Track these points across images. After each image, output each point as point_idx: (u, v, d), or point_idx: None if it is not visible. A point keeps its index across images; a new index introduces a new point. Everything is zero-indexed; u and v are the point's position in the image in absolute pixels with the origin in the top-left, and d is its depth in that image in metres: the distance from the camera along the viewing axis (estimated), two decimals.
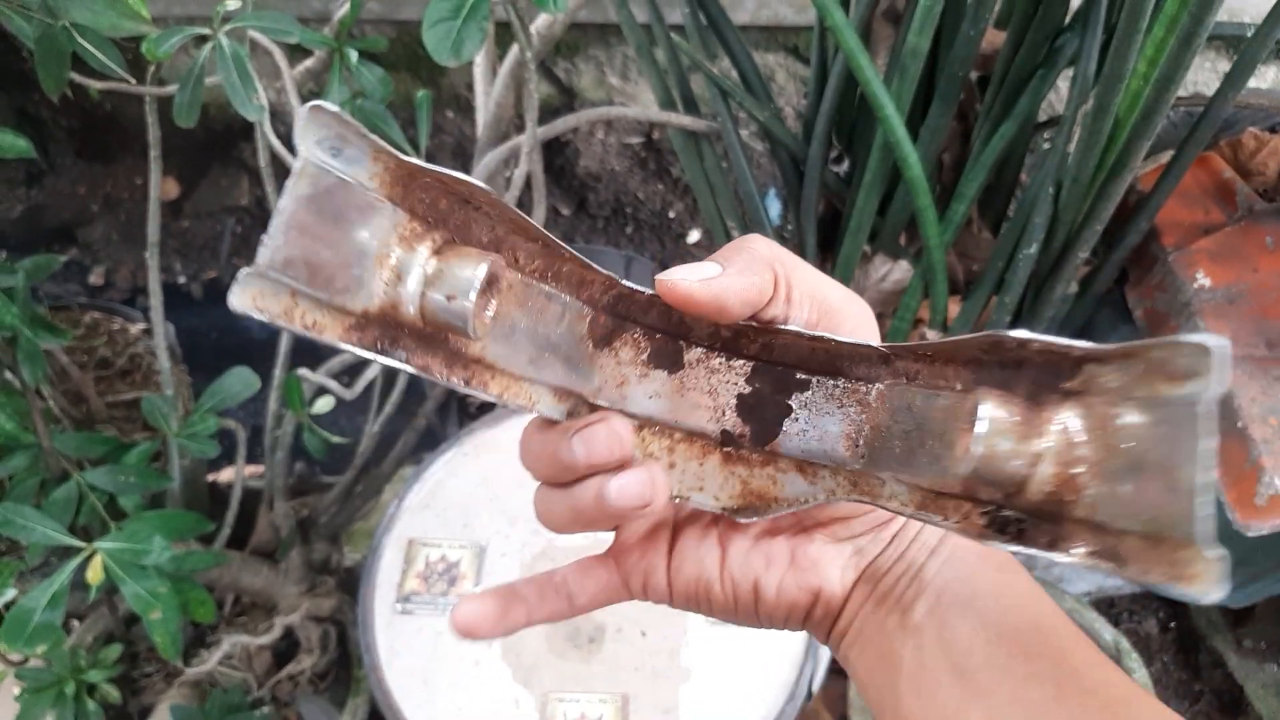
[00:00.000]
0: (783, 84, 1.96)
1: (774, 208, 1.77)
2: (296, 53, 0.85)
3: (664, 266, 2.02)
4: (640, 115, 0.98)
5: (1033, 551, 0.29)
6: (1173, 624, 1.51)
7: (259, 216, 1.99)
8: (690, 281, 0.34)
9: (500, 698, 0.90)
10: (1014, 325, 0.99)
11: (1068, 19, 0.88)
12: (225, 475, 1.41)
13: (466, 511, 0.99)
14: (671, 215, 2.03)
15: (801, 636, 0.93)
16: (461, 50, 0.72)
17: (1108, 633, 1.29)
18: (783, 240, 1.06)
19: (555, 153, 1.96)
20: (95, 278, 1.95)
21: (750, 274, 0.35)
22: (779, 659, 0.91)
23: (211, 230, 1.99)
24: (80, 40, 0.71)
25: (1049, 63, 0.87)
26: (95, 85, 0.80)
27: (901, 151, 0.84)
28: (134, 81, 0.75)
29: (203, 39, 0.73)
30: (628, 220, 2.03)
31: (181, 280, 1.94)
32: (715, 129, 1.00)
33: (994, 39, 0.91)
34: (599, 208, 2.01)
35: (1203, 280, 0.92)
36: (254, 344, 1.87)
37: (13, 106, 1.90)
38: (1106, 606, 1.51)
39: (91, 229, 1.99)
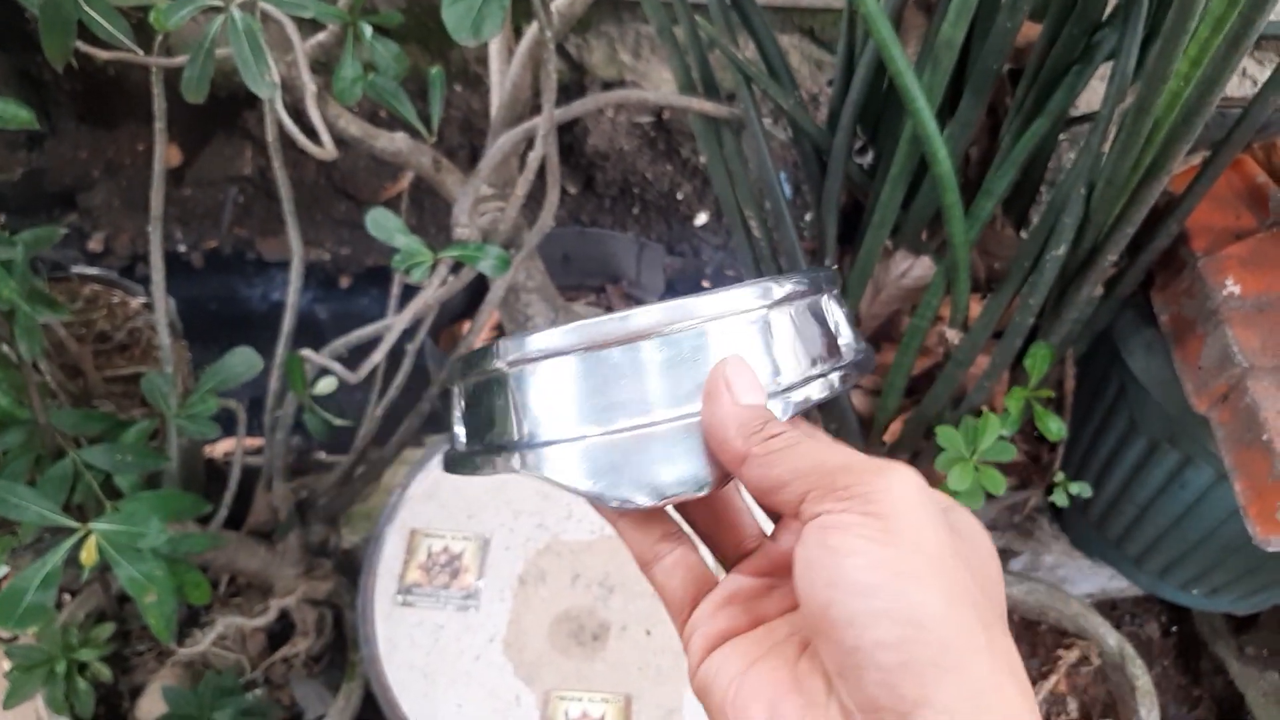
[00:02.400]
0: (797, 67, 1.92)
1: (789, 192, 1.74)
2: (309, 25, 0.82)
3: (671, 249, 2.00)
4: (660, 99, 0.96)
5: None
6: (1174, 628, 1.50)
7: (262, 186, 1.96)
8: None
9: (501, 694, 0.88)
10: (1037, 327, 0.96)
11: (1106, 13, 0.85)
12: (222, 447, 1.39)
13: (471, 503, 0.97)
14: (679, 197, 2.00)
15: None
16: (481, 29, 0.69)
17: (1112, 637, 1.27)
18: (799, 232, 1.04)
19: (564, 130, 1.93)
20: (95, 244, 1.92)
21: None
22: None
23: (213, 199, 1.96)
24: (86, 9, 0.68)
25: (1085, 58, 0.84)
26: (101, 55, 0.77)
27: (932, 146, 0.81)
28: (141, 52, 0.72)
29: (214, 10, 0.71)
30: (635, 201, 2.00)
31: (182, 249, 1.92)
32: (736, 114, 0.97)
33: (1029, 32, 0.88)
34: (606, 187, 1.98)
35: (1232, 287, 0.90)
36: (255, 316, 1.85)
37: (15, 68, 1.86)
38: (1108, 609, 1.50)
39: (92, 194, 1.96)
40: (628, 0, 1.76)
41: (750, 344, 0.36)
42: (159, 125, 0.84)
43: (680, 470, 0.35)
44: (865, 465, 0.31)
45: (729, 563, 0.40)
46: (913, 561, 0.29)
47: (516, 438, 0.37)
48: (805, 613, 0.31)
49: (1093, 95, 1.04)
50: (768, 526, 0.40)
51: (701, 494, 0.36)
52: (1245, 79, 1.91)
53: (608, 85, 1.90)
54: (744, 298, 0.36)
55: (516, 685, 0.89)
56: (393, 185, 1.96)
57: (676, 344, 0.35)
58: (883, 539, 0.29)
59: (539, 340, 0.36)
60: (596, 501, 0.36)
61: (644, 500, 0.35)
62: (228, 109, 1.90)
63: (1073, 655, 1.29)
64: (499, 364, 0.37)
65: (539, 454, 0.36)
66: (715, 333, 0.35)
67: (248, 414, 1.06)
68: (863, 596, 0.28)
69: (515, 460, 0.36)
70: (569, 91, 1.90)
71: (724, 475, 0.35)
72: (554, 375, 0.36)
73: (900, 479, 0.30)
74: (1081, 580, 1.45)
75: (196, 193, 1.96)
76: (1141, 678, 1.24)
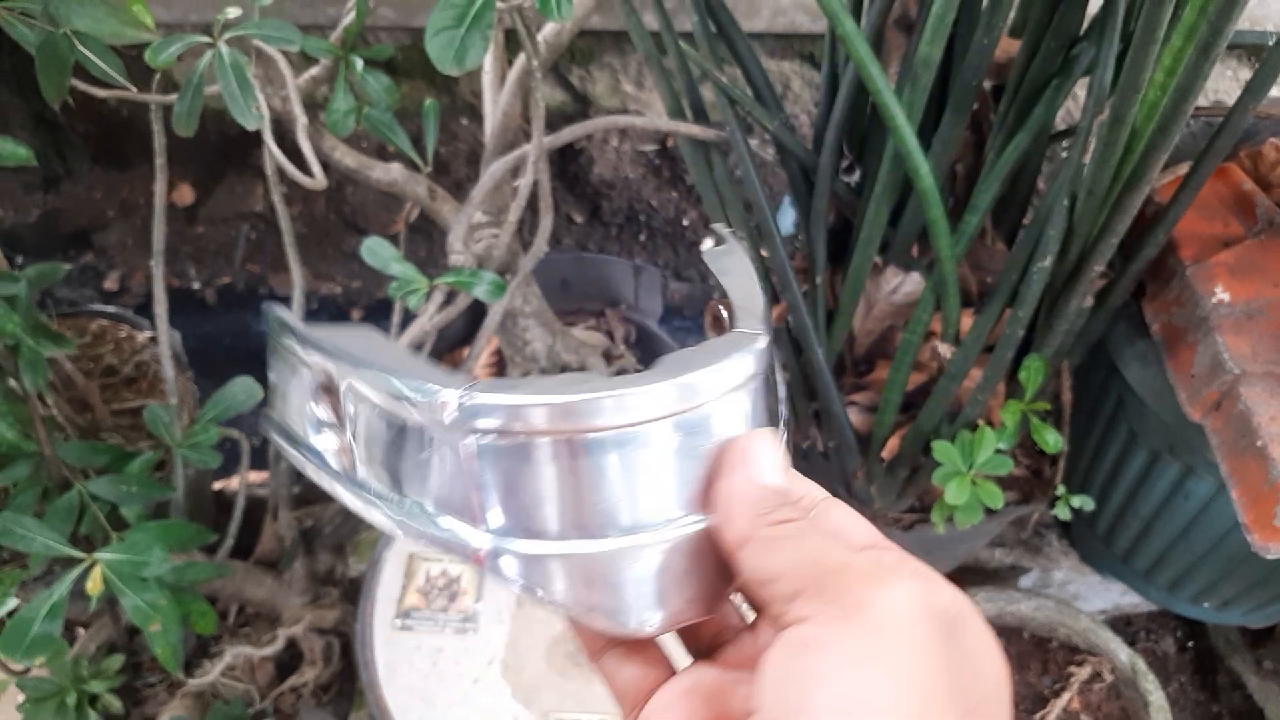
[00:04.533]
0: (798, 91, 1.94)
1: (788, 217, 1.76)
2: (305, 60, 0.84)
3: (678, 275, 2.01)
4: (648, 124, 0.97)
5: None
6: (1190, 644, 1.48)
7: (273, 222, 1.99)
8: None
9: (499, 716, 0.89)
10: (1028, 339, 0.97)
11: (1084, 27, 0.86)
12: (234, 482, 1.41)
13: None
14: (685, 223, 2.02)
15: None
16: (465, 59, 0.71)
17: (1123, 653, 1.26)
18: (793, 250, 1.05)
19: (569, 160, 1.95)
20: (110, 282, 1.96)
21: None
22: None
23: (226, 236, 2.00)
24: (81, 48, 0.70)
25: (1065, 72, 0.85)
26: (100, 93, 0.79)
27: (913, 162, 0.82)
28: (135, 90, 0.74)
29: (206, 46, 0.73)
30: (641, 228, 2.02)
31: (195, 286, 1.95)
32: (724, 138, 0.98)
33: (1008, 47, 0.89)
34: (612, 215, 2.00)
35: (1221, 295, 0.90)
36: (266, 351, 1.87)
37: (30, 111, 1.91)
38: (1123, 625, 1.49)
39: (107, 234, 1.99)
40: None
41: (750, 419, 0.31)
42: (159, 161, 0.86)
43: (691, 589, 0.31)
44: (866, 570, 0.28)
45: (699, 652, 0.36)
46: (893, 696, 0.26)
47: (471, 518, 0.29)
48: None
49: (1079, 108, 1.04)
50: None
51: (710, 615, 0.32)
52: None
53: (611, 114, 1.92)
54: (743, 365, 0.31)
55: (514, 707, 0.89)
56: (402, 217, 1.98)
57: (681, 432, 0.30)
58: (866, 662, 0.26)
59: (511, 410, 0.28)
60: (583, 621, 0.31)
61: (650, 627, 0.31)
62: (239, 146, 1.94)
63: (1085, 672, 1.28)
64: (440, 417, 0.28)
65: (508, 555, 0.29)
66: (718, 414, 0.30)
67: (259, 447, 1.07)
68: None
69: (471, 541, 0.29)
70: (573, 121, 1.93)
71: (728, 585, 0.32)
72: (527, 459, 0.29)
73: (903, 593, 0.27)
74: (1094, 596, 1.44)
75: (209, 230, 1.99)
76: (1154, 693, 1.23)
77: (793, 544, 0.29)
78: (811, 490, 0.33)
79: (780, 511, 0.30)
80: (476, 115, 1.93)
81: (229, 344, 1.88)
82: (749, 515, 0.30)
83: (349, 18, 0.85)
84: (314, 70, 0.88)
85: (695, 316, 1.96)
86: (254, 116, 0.70)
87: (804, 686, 0.26)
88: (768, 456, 0.31)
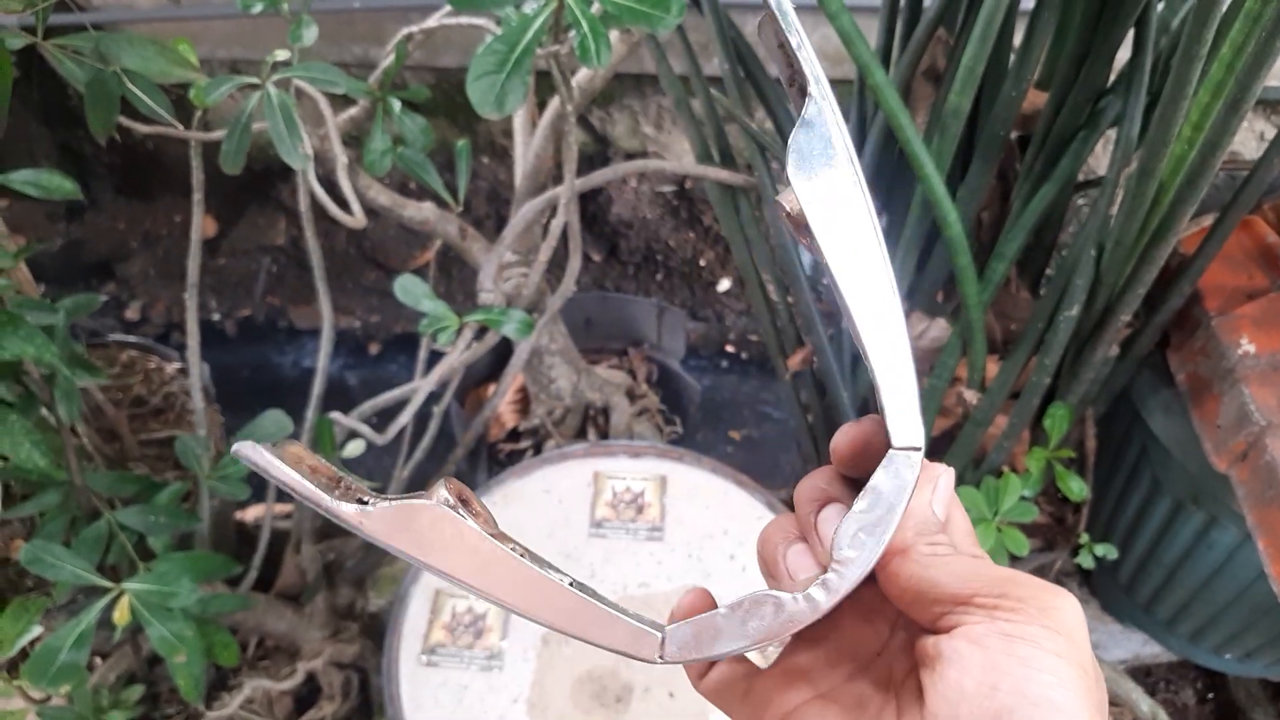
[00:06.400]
0: None
1: (806, 257, 1.77)
2: (340, 99, 0.86)
3: (694, 315, 2.02)
4: (677, 169, 0.99)
5: None
6: (1211, 695, 1.47)
7: (294, 256, 2.01)
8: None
9: None
10: (1053, 387, 0.97)
11: (1110, 81, 0.87)
12: (253, 513, 1.41)
13: None
14: (702, 264, 2.03)
15: None
16: (505, 103, 0.72)
17: (1144, 703, 1.25)
18: (816, 294, 1.05)
19: (588, 199, 1.97)
20: (131, 312, 1.97)
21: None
22: None
23: (247, 268, 2.02)
24: (130, 86, 0.72)
25: (1091, 124, 0.87)
26: (142, 129, 0.81)
27: (941, 210, 0.83)
28: (181, 127, 0.76)
29: (250, 87, 0.74)
30: (658, 268, 2.03)
31: (216, 317, 1.96)
32: (752, 182, 0.99)
33: (1035, 99, 0.91)
34: (630, 254, 2.02)
35: (1247, 346, 0.91)
36: (286, 383, 1.88)
37: (56, 142, 1.93)
38: (1143, 675, 1.48)
39: (129, 264, 2.01)
40: (649, 75, 1.81)
41: None
42: (196, 197, 0.88)
43: None
44: (1033, 580, 0.32)
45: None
46: (1094, 691, 0.30)
47: None
48: (958, 710, 0.30)
49: (1103, 159, 1.05)
50: None
51: None
52: (1264, 142, 1.92)
53: (630, 156, 1.95)
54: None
55: None
56: (422, 254, 2.00)
57: None
58: (1071, 659, 0.30)
59: None
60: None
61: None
62: (262, 181, 1.96)
63: None
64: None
65: None
66: None
67: None
68: (1049, 712, 0.29)
69: None
70: (593, 162, 1.95)
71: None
72: None
73: (1072, 602, 0.31)
74: (1114, 646, 1.43)
75: (230, 262, 2.01)
76: None
77: (951, 560, 0.33)
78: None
79: (939, 536, 0.34)
80: (498, 154, 1.95)
81: (248, 375, 1.89)
82: (912, 529, 0.34)
83: (388, 60, 0.87)
84: (352, 110, 0.90)
85: (712, 356, 1.97)
86: (300, 157, 0.72)
87: (1025, 672, 0.29)
88: (946, 492, 0.35)
